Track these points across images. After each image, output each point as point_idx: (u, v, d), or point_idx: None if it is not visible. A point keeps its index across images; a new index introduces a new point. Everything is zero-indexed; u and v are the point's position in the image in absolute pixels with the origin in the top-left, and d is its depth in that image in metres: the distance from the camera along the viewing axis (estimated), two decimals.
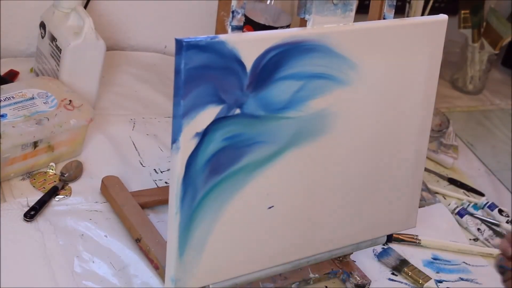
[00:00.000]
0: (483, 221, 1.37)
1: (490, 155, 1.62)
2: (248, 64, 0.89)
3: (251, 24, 1.36)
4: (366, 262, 1.20)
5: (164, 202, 1.11)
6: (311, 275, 1.12)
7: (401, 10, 1.50)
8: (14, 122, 1.13)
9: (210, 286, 0.97)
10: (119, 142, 1.30)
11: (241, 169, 0.93)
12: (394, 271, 1.21)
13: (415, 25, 1.05)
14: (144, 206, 1.15)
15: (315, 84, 0.96)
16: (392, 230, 1.14)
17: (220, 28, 1.34)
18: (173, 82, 0.85)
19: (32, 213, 1.08)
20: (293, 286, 1.10)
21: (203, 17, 1.58)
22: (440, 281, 1.22)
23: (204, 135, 0.88)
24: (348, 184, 1.04)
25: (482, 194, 1.47)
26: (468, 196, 1.46)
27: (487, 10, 1.78)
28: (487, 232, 1.35)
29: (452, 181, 1.49)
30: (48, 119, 1.15)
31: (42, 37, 1.34)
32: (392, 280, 1.19)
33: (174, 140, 0.87)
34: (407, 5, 1.57)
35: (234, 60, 0.88)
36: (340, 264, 1.15)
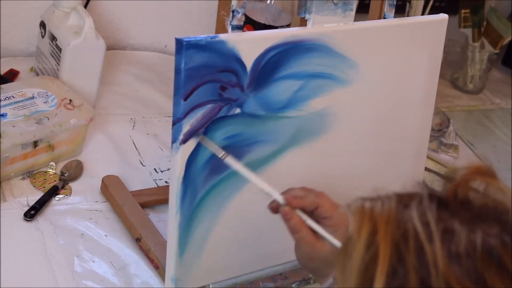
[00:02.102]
0: None
1: (491, 155, 1.62)
2: (248, 63, 0.89)
3: (251, 24, 1.35)
4: None
5: (164, 201, 1.11)
6: (311, 275, 1.11)
7: (401, 9, 1.50)
8: (14, 121, 1.12)
9: (210, 286, 0.97)
10: (119, 141, 1.30)
11: None
12: None
13: (416, 24, 1.05)
14: (144, 205, 1.15)
15: (315, 84, 0.96)
16: None
17: (220, 27, 1.34)
18: (173, 82, 0.85)
19: (32, 213, 1.08)
20: (293, 285, 1.10)
21: (203, 17, 1.58)
22: None
23: (204, 135, 0.88)
24: (348, 183, 1.04)
25: None
26: None
27: (488, 9, 1.78)
28: None
29: None
30: (48, 119, 1.15)
31: (42, 37, 1.34)
32: None
33: (174, 139, 0.87)
34: (407, 4, 1.57)
35: (234, 60, 0.87)
36: None
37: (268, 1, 1.41)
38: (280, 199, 0.89)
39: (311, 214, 0.89)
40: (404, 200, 0.59)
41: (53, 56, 1.31)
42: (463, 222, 0.56)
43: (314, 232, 0.88)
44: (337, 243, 0.86)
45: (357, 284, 0.57)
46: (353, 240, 0.58)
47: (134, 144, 1.30)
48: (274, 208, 0.90)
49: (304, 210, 0.89)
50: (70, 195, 1.15)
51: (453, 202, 0.58)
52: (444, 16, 1.06)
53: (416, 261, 0.55)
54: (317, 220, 0.89)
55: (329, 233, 0.87)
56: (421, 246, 0.55)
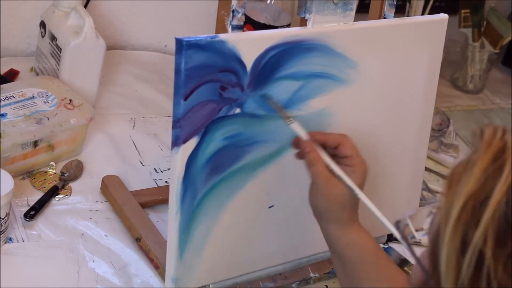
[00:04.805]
0: None
1: None
2: (249, 63, 0.89)
3: (251, 23, 1.35)
4: None
5: (164, 201, 1.11)
6: (311, 275, 1.12)
7: (401, 9, 1.50)
8: (14, 121, 1.12)
9: (210, 286, 0.97)
10: (119, 141, 1.30)
11: (241, 168, 0.93)
12: None
13: (416, 24, 1.05)
14: (144, 205, 1.15)
15: (315, 83, 0.96)
16: None
17: (220, 27, 1.34)
18: (173, 82, 0.85)
19: (32, 213, 1.08)
20: (293, 285, 1.10)
21: (203, 17, 1.58)
22: None
23: (204, 135, 0.88)
24: None
25: None
26: None
27: (488, 9, 1.78)
28: None
29: None
30: (48, 119, 1.15)
31: (42, 36, 1.34)
32: None
33: (174, 139, 0.87)
34: (408, 4, 1.57)
35: (234, 59, 0.87)
36: None
37: (268, 1, 1.41)
38: (303, 134, 0.90)
39: (333, 157, 0.91)
40: None
41: (53, 56, 1.31)
42: None
43: (331, 171, 0.90)
44: (351, 183, 0.89)
45: (473, 190, 0.60)
46: (478, 154, 0.62)
47: (134, 144, 1.31)
48: (296, 142, 0.92)
49: (326, 146, 0.91)
50: (70, 195, 1.15)
51: None
52: (444, 16, 1.06)
53: None
54: (337, 160, 0.91)
55: (346, 171, 0.90)
56: None
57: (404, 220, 0.71)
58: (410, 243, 0.70)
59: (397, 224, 0.71)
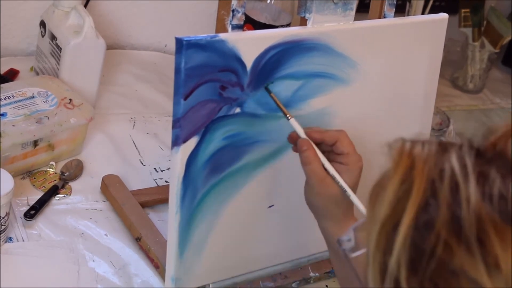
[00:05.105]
0: None
1: None
2: (248, 63, 0.89)
3: (251, 23, 1.35)
4: None
5: (164, 201, 1.11)
6: (311, 274, 1.12)
7: (401, 9, 1.50)
8: (14, 121, 1.12)
9: (210, 286, 0.97)
10: (119, 141, 1.30)
11: (241, 168, 0.93)
12: None
13: (416, 24, 1.05)
14: (144, 205, 1.15)
15: (315, 83, 0.96)
16: None
17: (220, 27, 1.34)
18: (173, 81, 0.85)
19: (32, 213, 1.08)
20: (293, 285, 1.10)
21: (203, 17, 1.58)
22: None
23: (204, 134, 0.88)
24: None
25: None
26: None
27: (488, 9, 1.78)
28: None
29: None
30: (48, 118, 1.15)
31: (42, 36, 1.34)
32: None
33: (174, 139, 0.87)
34: (408, 4, 1.57)
35: (234, 59, 0.87)
36: None
37: (268, 1, 1.41)
38: (301, 132, 0.90)
39: (329, 153, 0.91)
40: (444, 145, 0.60)
41: (53, 56, 1.31)
42: (498, 171, 0.57)
43: (326, 169, 0.90)
44: (343, 184, 0.88)
45: (386, 215, 0.58)
46: (389, 174, 0.59)
47: (134, 143, 1.31)
48: (293, 138, 0.92)
49: (323, 143, 0.91)
50: (70, 195, 1.15)
51: (491, 153, 0.59)
52: (444, 16, 1.06)
53: (450, 196, 0.56)
54: (333, 156, 0.90)
55: (341, 170, 0.89)
56: (456, 184, 0.56)
57: (347, 235, 0.70)
58: (350, 258, 0.69)
59: (339, 242, 0.70)
